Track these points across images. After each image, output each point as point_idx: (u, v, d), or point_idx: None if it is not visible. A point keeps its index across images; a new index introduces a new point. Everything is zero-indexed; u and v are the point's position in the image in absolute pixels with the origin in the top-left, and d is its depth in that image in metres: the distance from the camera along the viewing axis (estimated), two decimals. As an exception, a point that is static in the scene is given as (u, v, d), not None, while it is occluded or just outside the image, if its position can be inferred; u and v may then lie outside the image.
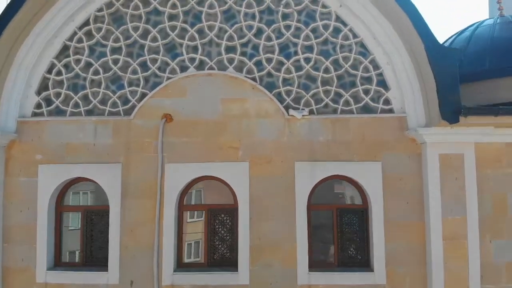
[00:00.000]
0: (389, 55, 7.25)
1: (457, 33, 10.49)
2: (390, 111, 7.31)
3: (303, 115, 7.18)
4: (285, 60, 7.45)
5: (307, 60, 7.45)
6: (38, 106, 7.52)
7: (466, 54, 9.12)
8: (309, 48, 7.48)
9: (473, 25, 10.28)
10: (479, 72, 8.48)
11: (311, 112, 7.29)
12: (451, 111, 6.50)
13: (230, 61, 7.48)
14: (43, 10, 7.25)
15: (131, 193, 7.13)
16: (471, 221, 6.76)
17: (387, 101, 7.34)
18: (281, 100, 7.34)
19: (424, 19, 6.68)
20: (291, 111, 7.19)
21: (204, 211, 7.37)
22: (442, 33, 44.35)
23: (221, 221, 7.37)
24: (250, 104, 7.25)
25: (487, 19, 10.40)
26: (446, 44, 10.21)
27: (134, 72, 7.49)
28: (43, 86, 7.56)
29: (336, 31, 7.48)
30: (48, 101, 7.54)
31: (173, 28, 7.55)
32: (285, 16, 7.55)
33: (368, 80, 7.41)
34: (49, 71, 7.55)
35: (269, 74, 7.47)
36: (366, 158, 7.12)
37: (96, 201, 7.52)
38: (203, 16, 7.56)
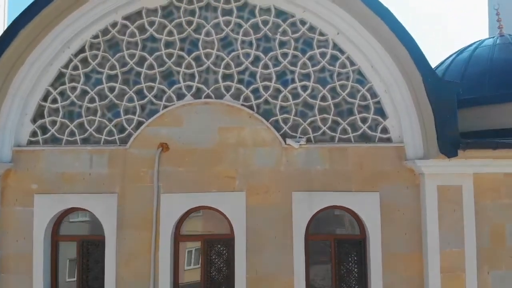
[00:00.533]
0: (386, 84, 7.20)
1: (456, 52, 10.44)
2: (388, 140, 7.25)
3: (300, 144, 7.13)
4: (282, 88, 7.40)
5: (304, 88, 7.40)
6: (34, 134, 7.47)
7: (465, 75, 9.10)
8: (306, 76, 7.42)
9: (473, 44, 10.24)
10: (479, 98, 8.43)
11: (308, 140, 7.24)
12: (450, 144, 6.44)
13: (227, 88, 7.43)
14: (38, 38, 7.20)
15: (127, 223, 7.09)
16: (469, 253, 6.71)
17: (385, 130, 7.29)
18: (278, 127, 7.29)
19: (422, 51, 6.62)
20: (288, 141, 7.15)
21: (200, 242, 7.32)
22: (442, 50, 44.27)
23: (217, 252, 7.32)
24: (247, 133, 7.21)
25: (486, 39, 10.35)
26: (446, 64, 10.17)
27: (130, 100, 7.44)
28: (39, 114, 7.51)
29: (334, 58, 7.43)
30: (44, 129, 7.48)
31: (169, 56, 7.49)
32: (282, 44, 7.49)
33: (366, 108, 7.36)
34: (45, 98, 7.50)
35: (266, 102, 7.42)
36: (364, 188, 7.07)
37: (93, 230, 7.47)
38: (200, 43, 7.51)
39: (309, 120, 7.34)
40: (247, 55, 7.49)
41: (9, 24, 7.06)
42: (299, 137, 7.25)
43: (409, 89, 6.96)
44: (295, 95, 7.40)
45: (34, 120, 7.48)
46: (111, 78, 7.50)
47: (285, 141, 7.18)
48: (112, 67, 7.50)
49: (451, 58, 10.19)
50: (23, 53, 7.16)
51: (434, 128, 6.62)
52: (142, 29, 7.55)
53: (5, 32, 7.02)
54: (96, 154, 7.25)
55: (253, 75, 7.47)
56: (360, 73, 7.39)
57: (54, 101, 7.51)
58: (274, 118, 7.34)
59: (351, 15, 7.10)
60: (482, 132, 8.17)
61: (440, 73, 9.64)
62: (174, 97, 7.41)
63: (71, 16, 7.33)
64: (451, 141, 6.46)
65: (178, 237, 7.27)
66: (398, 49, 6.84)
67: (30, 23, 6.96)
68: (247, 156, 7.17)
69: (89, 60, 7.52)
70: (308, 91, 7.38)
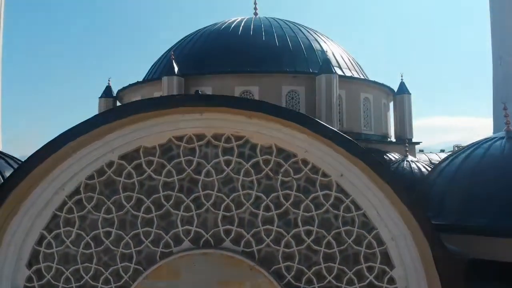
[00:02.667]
0: (391, 231, 6.89)
1: (461, 152, 10.11)
2: (395, 291, 6.93)
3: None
4: (284, 232, 7.10)
5: (308, 232, 7.10)
6: (29, 280, 7.24)
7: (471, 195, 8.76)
8: (310, 220, 7.12)
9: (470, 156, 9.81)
10: (483, 227, 8.09)
11: (313, 291, 6.92)
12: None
13: (227, 232, 7.16)
14: (32, 189, 6.99)
15: None
16: None
17: (391, 280, 6.96)
18: (281, 276, 6.99)
19: (430, 223, 6.32)
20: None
21: None
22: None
23: None
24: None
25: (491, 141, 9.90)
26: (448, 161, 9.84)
27: (127, 246, 7.19)
28: (34, 257, 7.28)
29: (338, 201, 7.13)
30: (39, 275, 7.25)
31: (168, 198, 7.23)
32: (284, 184, 7.20)
33: (372, 256, 7.03)
34: (39, 242, 7.27)
35: (268, 246, 7.12)
36: None
37: None
38: (199, 184, 7.24)
39: (313, 269, 7.03)
40: (248, 196, 7.21)
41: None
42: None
43: (415, 243, 6.65)
44: (299, 240, 7.10)
45: (29, 264, 7.25)
46: (107, 221, 7.25)
47: (288, 293, 6.87)
48: (108, 211, 7.26)
49: (457, 159, 9.84)
50: (16, 205, 6.95)
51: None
52: (139, 169, 7.30)
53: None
54: (92, 306, 6.99)
55: (254, 217, 7.18)
56: (365, 216, 7.08)
57: (49, 245, 7.27)
58: (276, 267, 7.04)
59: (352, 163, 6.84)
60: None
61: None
62: (172, 243, 7.15)
63: (66, 162, 7.12)
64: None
65: None
66: (401, 205, 6.55)
67: (22, 181, 6.76)
68: (247, 313, 6.87)
69: (84, 202, 7.28)
70: (312, 236, 7.08)
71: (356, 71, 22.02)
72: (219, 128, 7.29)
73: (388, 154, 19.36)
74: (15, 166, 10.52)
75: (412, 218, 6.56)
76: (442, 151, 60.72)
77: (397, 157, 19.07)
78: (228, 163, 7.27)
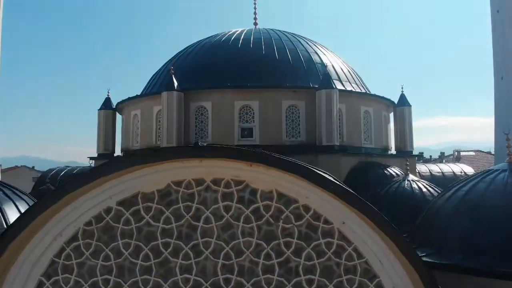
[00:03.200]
0: (393, 281, 6.80)
1: (462, 184, 9.97)
2: None
3: None
4: (286, 282, 7.00)
5: (309, 281, 6.99)
6: (26, 332, 7.13)
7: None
8: (312, 268, 7.01)
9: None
10: (485, 268, 7.99)
11: None
12: None
13: (227, 281, 7.05)
14: (30, 239, 6.89)
15: None
16: None
17: (394, 331, 6.86)
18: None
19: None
20: None
21: None
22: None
23: None
24: None
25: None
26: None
27: (126, 294, 7.09)
28: (33, 307, 7.17)
29: (340, 249, 7.01)
30: (36, 326, 7.14)
31: (166, 245, 7.13)
32: (285, 231, 7.09)
33: (374, 306, 6.93)
34: (38, 290, 7.17)
35: (270, 299, 7.01)
36: None
37: None
38: (198, 231, 7.14)
39: (315, 322, 6.92)
40: (248, 244, 7.10)
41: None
42: None
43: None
44: (301, 292, 6.98)
45: (27, 315, 7.15)
46: (105, 268, 7.14)
47: None
48: (107, 258, 7.15)
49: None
50: (15, 255, 6.85)
51: None
52: (137, 215, 7.20)
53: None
54: None
55: (254, 265, 7.07)
56: (367, 264, 6.98)
57: (47, 293, 7.17)
58: (277, 320, 6.93)
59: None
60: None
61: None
62: (171, 292, 7.04)
63: (65, 210, 7.03)
64: None
65: None
66: (405, 261, 6.44)
67: (22, 232, 6.66)
68: None
69: (82, 249, 7.18)
70: (314, 285, 6.97)
71: (356, 83, 21.91)
72: (219, 173, 7.18)
73: (389, 169, 19.28)
74: (13, 197, 10.40)
75: (414, 271, 6.45)
76: (442, 153, 60.96)
77: (397, 172, 19.01)
78: (227, 209, 7.16)
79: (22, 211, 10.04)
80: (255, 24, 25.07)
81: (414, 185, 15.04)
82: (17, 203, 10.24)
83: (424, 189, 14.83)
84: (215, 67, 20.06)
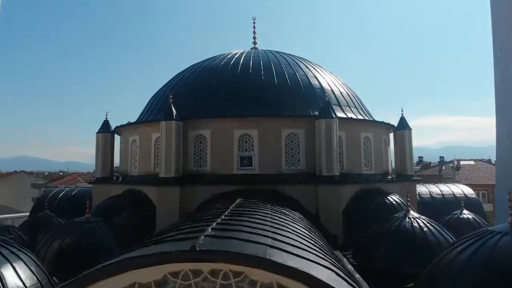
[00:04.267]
0: None
1: (464, 247, 9.86)
2: None
3: None
4: None
5: None
6: None
7: None
8: None
9: None
10: None
11: None
12: None
13: None
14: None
15: None
16: None
17: None
18: None
19: None
20: None
21: None
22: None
23: None
24: None
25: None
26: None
27: None
28: None
29: None
30: None
31: (164, 338, 7.04)
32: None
33: None
34: None
35: None
36: None
37: None
38: (196, 324, 7.04)
39: None
40: (246, 337, 7.00)
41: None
42: None
43: None
44: None
45: None
46: None
47: None
48: None
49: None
50: None
51: None
52: (135, 306, 7.10)
53: None
54: None
55: None
56: None
57: None
58: None
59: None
60: None
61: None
62: None
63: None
64: None
65: None
66: None
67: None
68: None
69: None
70: None
71: (355, 106, 21.76)
72: (217, 264, 7.07)
73: (389, 197, 19.12)
74: (10, 257, 10.26)
75: None
76: (442, 158, 60.86)
77: (398, 201, 18.90)
78: (226, 303, 7.05)
79: (20, 273, 9.96)
80: (254, 43, 24.88)
81: (415, 224, 14.93)
82: (15, 265, 10.08)
83: (425, 228, 14.74)
84: (214, 95, 19.89)
